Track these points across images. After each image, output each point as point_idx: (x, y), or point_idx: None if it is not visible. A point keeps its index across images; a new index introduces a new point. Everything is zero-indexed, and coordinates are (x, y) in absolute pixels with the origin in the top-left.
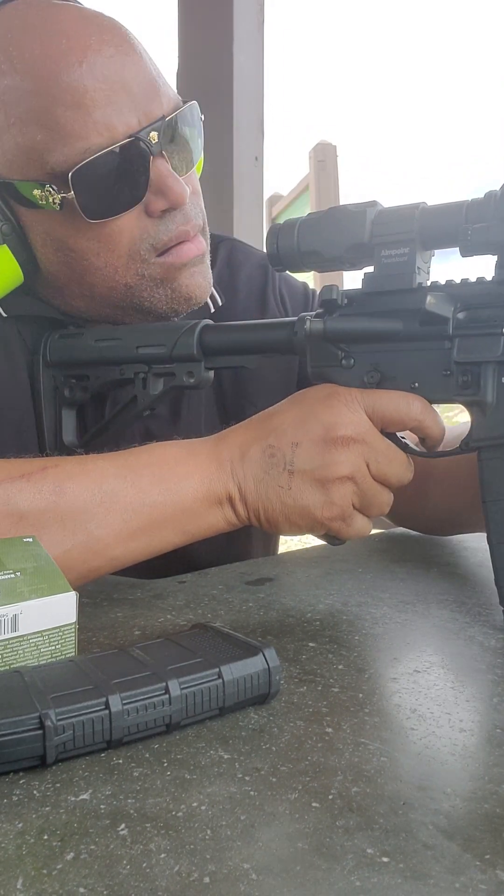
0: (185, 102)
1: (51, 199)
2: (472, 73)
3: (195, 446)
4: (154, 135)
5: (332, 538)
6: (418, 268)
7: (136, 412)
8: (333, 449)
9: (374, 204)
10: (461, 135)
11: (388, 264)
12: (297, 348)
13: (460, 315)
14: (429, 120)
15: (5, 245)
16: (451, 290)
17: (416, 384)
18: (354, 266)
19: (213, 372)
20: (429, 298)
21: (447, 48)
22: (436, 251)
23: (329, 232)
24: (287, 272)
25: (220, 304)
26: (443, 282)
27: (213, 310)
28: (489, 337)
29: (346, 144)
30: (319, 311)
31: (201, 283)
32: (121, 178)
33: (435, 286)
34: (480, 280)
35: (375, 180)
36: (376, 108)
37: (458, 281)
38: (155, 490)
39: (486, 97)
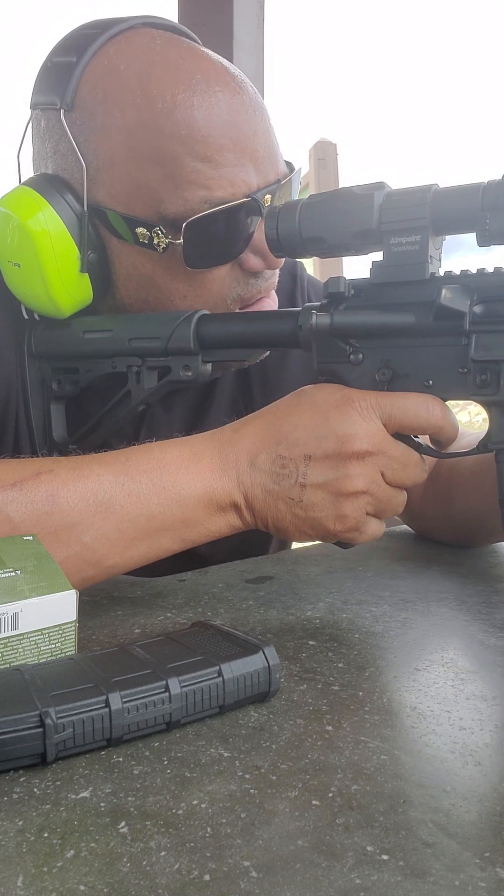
0: (288, 164)
1: (156, 242)
2: (474, 73)
3: (198, 448)
4: (268, 197)
5: (342, 543)
6: (430, 256)
7: (131, 408)
8: (349, 463)
9: (381, 186)
10: (463, 135)
11: (399, 253)
12: (302, 342)
13: (477, 309)
14: (430, 119)
15: (87, 274)
16: (466, 282)
17: (430, 382)
18: (360, 252)
19: (210, 365)
20: (444, 292)
21: (449, 46)
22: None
23: (334, 217)
24: (309, 274)
25: None
26: (457, 271)
27: None
28: None
29: (346, 143)
30: (324, 302)
31: None
32: (228, 233)
33: (449, 276)
34: (498, 270)
35: (376, 179)
36: (377, 106)
37: (474, 271)
38: (154, 499)
39: (489, 97)
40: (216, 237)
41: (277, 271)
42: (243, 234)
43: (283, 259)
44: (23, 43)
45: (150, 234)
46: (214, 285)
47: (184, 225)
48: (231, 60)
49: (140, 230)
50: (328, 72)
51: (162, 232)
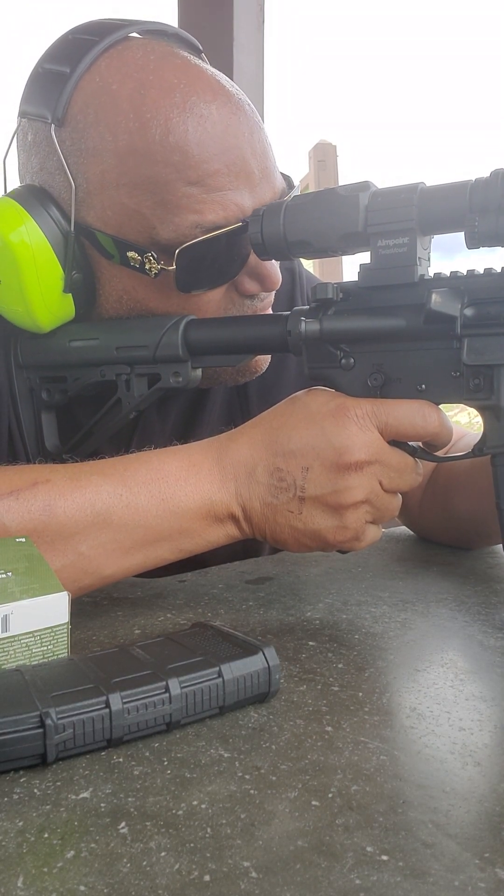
0: (286, 178)
1: (148, 267)
2: (475, 73)
3: (196, 458)
4: None
5: (341, 550)
6: (419, 258)
7: (122, 415)
8: (347, 475)
9: (366, 186)
10: (463, 136)
11: (386, 256)
12: (291, 347)
13: (468, 311)
14: (431, 120)
15: (70, 295)
16: (456, 284)
17: (423, 386)
18: (347, 253)
19: (201, 370)
20: (434, 297)
21: (450, 47)
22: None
23: (319, 219)
24: (307, 270)
25: None
26: (447, 272)
27: None
28: (501, 337)
29: (345, 144)
30: (313, 306)
31: (268, 356)
32: (222, 256)
33: (439, 278)
34: (489, 272)
35: (376, 180)
36: (377, 107)
37: (464, 272)
38: (152, 511)
39: (490, 98)
40: (209, 262)
41: (273, 292)
42: (237, 257)
43: (280, 281)
44: (20, 38)
45: (142, 258)
46: (209, 308)
47: (176, 252)
48: (231, 61)
49: (131, 254)
50: (328, 73)
51: (154, 257)
